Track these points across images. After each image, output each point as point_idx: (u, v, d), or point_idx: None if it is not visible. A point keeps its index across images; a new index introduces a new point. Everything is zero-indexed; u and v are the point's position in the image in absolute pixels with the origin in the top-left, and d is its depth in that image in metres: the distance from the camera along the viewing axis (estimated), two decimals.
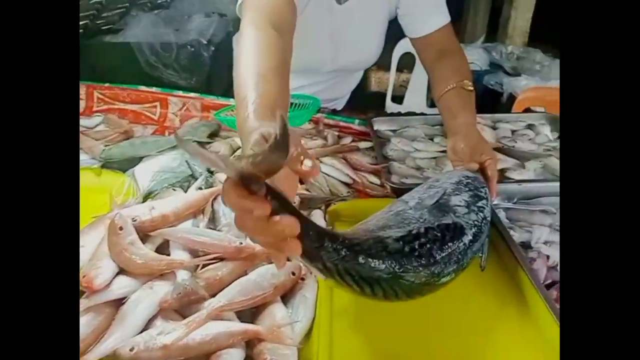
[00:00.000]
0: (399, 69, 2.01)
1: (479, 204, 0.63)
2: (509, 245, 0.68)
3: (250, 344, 0.54)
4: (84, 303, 0.54)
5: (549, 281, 0.64)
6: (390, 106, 1.96)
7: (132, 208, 0.69)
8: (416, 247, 0.50)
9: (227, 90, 1.39)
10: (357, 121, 1.12)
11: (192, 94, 1.16)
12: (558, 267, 0.66)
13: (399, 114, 1.15)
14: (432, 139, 1.01)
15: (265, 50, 0.59)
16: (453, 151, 0.81)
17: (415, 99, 1.94)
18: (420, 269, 0.50)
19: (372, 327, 0.60)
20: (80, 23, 1.81)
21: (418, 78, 1.92)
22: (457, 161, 0.80)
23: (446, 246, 0.53)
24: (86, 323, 0.52)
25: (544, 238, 0.70)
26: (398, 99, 1.98)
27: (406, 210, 0.58)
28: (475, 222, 0.60)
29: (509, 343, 0.58)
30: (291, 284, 0.61)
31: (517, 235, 0.71)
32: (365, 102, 1.54)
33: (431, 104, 1.94)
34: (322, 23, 1.01)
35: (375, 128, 1.07)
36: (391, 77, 1.95)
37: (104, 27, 1.92)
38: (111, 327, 0.52)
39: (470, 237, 0.57)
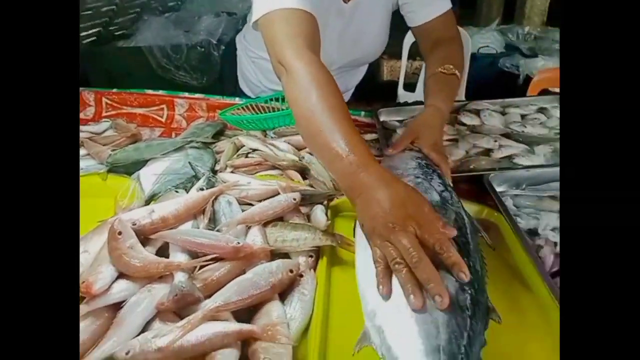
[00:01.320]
0: (411, 57, 1.97)
1: (446, 182, 0.65)
2: (515, 232, 0.66)
3: (246, 344, 0.53)
4: (83, 308, 0.55)
5: (555, 268, 0.61)
6: (402, 94, 1.93)
7: (132, 212, 0.70)
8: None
9: (237, 89, 1.40)
10: (363, 113, 1.10)
11: (197, 95, 1.17)
12: None
13: (406, 103, 1.12)
14: None
15: (326, 86, 0.65)
16: None
17: None
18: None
19: None
20: (94, 30, 1.86)
21: None
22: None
23: (472, 256, 0.53)
24: (85, 328, 0.53)
25: (551, 225, 0.67)
26: (411, 86, 1.94)
27: None
28: (457, 205, 0.60)
29: (512, 330, 0.56)
30: (289, 281, 0.61)
31: (524, 223, 0.69)
32: (377, 91, 1.51)
33: None
34: (331, 24, 1.00)
35: (381, 119, 1.04)
36: (402, 66, 1.91)
37: (117, 33, 1.96)
38: (109, 331, 0.53)
39: (464, 225, 0.57)
